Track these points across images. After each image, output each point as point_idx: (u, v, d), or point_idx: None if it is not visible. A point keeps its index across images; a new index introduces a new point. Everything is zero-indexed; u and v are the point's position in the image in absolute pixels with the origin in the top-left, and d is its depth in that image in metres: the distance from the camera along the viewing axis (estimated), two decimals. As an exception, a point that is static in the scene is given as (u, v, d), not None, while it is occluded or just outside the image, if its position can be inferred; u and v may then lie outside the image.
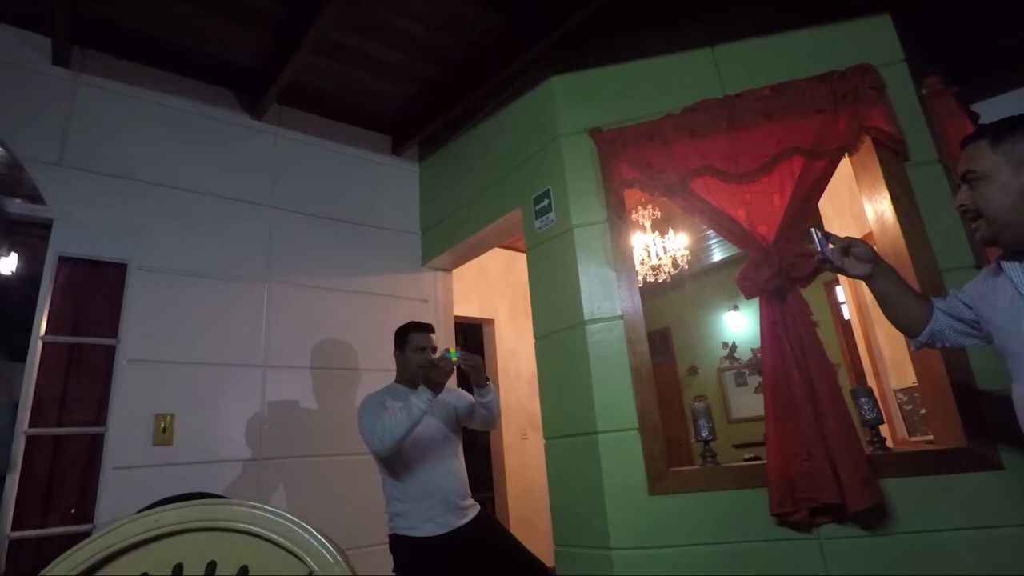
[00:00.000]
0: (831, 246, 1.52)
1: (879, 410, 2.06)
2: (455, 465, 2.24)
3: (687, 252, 3.93)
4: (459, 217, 3.15)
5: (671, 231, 3.91)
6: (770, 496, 1.93)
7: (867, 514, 1.85)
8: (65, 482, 2.19)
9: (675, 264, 3.93)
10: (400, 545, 2.09)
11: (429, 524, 2.08)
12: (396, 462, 2.15)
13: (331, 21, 2.38)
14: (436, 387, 2.03)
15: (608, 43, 2.58)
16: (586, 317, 2.31)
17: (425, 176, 3.51)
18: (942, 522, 1.86)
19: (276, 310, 2.82)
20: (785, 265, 2.02)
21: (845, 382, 4.92)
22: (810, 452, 1.89)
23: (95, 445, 2.25)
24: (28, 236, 2.31)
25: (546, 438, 2.43)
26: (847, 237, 1.53)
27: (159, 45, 2.65)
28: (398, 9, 2.49)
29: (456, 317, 4.14)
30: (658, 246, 3.92)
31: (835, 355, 4.81)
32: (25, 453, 2.13)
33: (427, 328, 2.33)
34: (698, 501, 2.06)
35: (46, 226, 2.31)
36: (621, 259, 2.35)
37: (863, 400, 2.07)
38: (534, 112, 2.72)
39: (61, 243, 2.34)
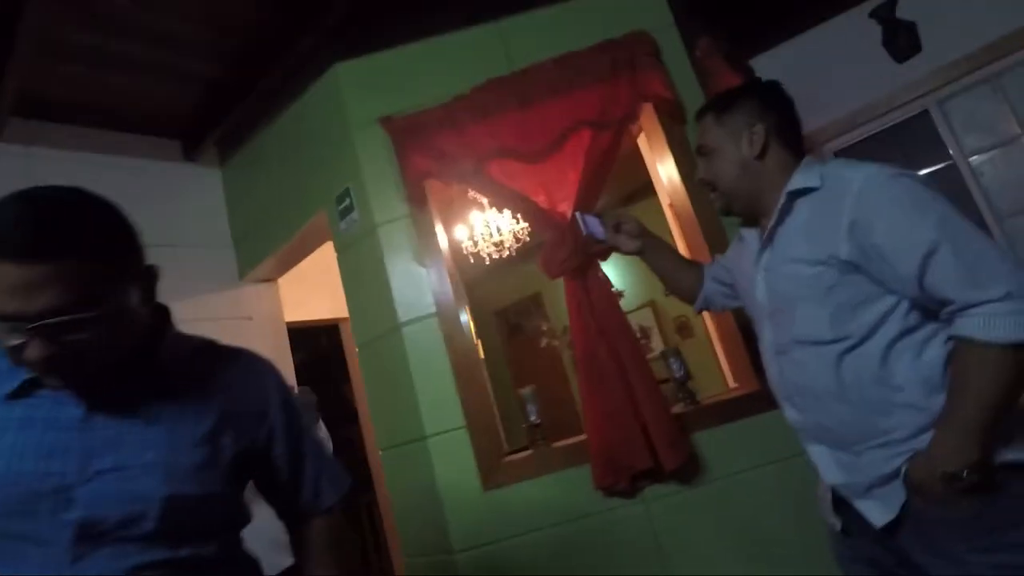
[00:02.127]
0: (601, 226, 1.51)
1: (686, 368, 2.16)
2: None
3: (526, 224, 3.93)
4: (269, 224, 2.89)
5: (507, 206, 3.88)
6: (593, 471, 1.96)
7: (682, 470, 1.94)
8: None
9: (517, 239, 3.92)
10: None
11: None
12: None
13: (54, 18, 2.00)
14: None
15: (394, 22, 2.41)
16: (401, 319, 2.21)
17: (229, 183, 3.17)
18: (746, 463, 1.99)
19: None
20: (581, 242, 2.02)
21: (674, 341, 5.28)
22: (623, 423, 1.93)
23: None
24: None
25: (380, 448, 2.33)
26: (615, 213, 1.53)
27: None
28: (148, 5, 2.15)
29: (306, 323, 3.88)
30: (498, 222, 3.88)
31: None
32: None
33: None
34: (531, 488, 2.06)
35: None
36: (428, 253, 2.25)
37: (672, 360, 2.15)
38: (323, 104, 2.50)
39: None
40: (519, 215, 3.35)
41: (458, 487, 2.07)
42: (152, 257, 2.68)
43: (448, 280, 2.23)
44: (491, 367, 5.53)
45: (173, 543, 0.80)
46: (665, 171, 2.30)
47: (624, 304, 4.38)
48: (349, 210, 2.37)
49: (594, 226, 1.47)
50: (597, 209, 2.08)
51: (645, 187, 3.54)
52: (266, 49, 2.48)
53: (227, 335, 2.88)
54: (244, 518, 0.94)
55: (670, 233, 3.06)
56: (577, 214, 1.48)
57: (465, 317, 2.26)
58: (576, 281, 2.05)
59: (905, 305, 1.05)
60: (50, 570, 0.74)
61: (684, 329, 5.95)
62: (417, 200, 2.25)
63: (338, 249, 2.48)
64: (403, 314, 2.21)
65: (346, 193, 2.38)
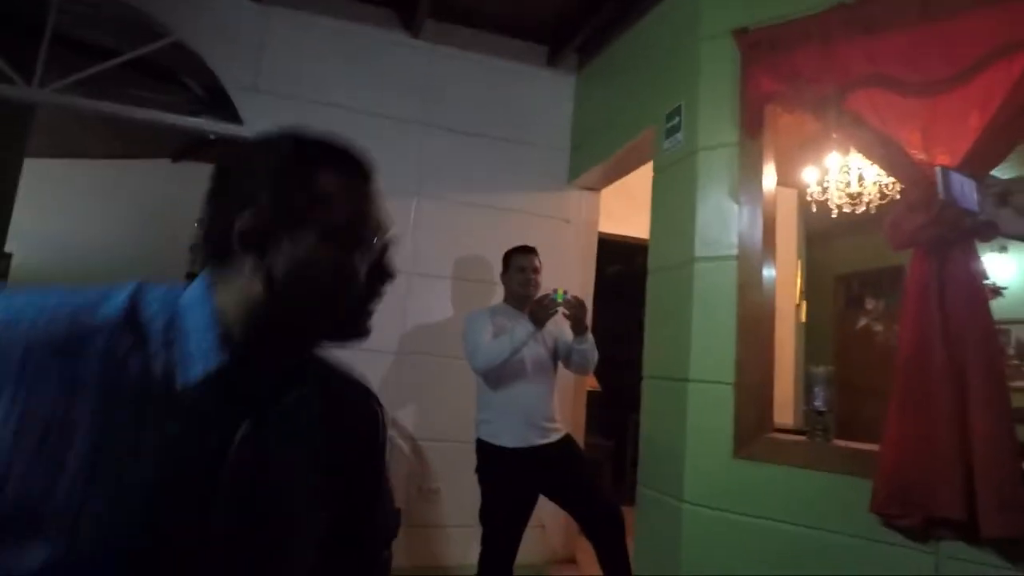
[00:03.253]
0: (976, 193, 1.11)
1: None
2: (545, 389, 2.30)
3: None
4: (603, 134, 2.97)
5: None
6: (875, 491, 1.59)
7: (1010, 544, 1.43)
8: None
9: (883, 194, 3.17)
10: (482, 449, 2.27)
11: (509, 436, 2.21)
12: (492, 374, 2.28)
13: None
14: (539, 322, 2.14)
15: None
16: (696, 254, 2.07)
17: (581, 88, 3.33)
18: None
19: (422, 223, 3.06)
20: (953, 210, 1.51)
21: None
22: (939, 454, 1.49)
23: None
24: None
25: (645, 376, 2.32)
26: (1009, 180, 1.10)
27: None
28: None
29: (624, 237, 4.00)
30: (861, 170, 3.18)
31: None
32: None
33: (528, 251, 2.36)
34: (790, 477, 1.80)
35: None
36: (747, 189, 2.00)
37: (1055, 401, 1.53)
38: (679, 11, 2.35)
39: (254, 157, 2.83)
40: (878, 163, 2.69)
41: (707, 442, 1.95)
42: (500, 150, 3.05)
43: (761, 223, 1.97)
44: (813, 336, 4.86)
45: None
46: None
47: (1009, 307, 3.22)
48: (676, 130, 2.25)
49: (962, 189, 1.06)
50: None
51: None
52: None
53: (546, 232, 3.17)
54: None
55: None
56: (939, 169, 1.09)
57: (771, 270, 1.99)
58: (929, 259, 1.57)
59: None
60: None
61: None
62: (751, 127, 1.99)
63: (656, 169, 2.41)
64: (700, 249, 2.07)
65: (677, 111, 2.26)
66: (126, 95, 2.76)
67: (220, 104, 2.86)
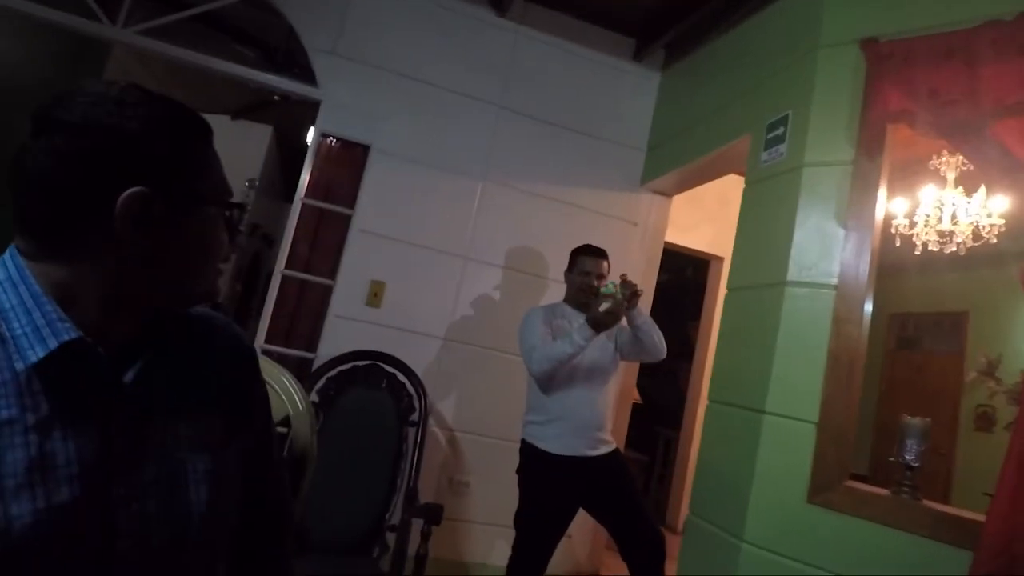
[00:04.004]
0: None
1: None
2: (599, 397, 2.17)
3: (1002, 221, 2.89)
4: (687, 137, 2.80)
5: (983, 190, 2.88)
6: (975, 563, 1.44)
7: None
8: (303, 317, 2.74)
9: (977, 235, 2.94)
10: (526, 451, 2.16)
11: (556, 442, 2.09)
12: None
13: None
14: (601, 328, 1.98)
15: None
16: (789, 278, 1.91)
17: (665, 87, 3.17)
18: None
19: (485, 208, 2.95)
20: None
21: None
22: (1062, 535, 1.32)
23: (325, 294, 2.74)
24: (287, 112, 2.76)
25: (709, 399, 2.17)
26: None
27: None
28: None
29: (679, 247, 3.85)
30: (956, 207, 2.95)
31: None
32: (280, 288, 2.70)
33: (597, 253, 2.21)
34: (873, 532, 1.64)
35: (314, 105, 2.74)
36: (857, 213, 1.83)
37: None
38: (795, 14, 2.17)
39: (324, 122, 2.76)
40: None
41: (778, 482, 1.80)
42: (574, 143, 2.91)
43: (869, 254, 1.80)
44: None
45: None
46: None
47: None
48: (778, 141, 2.09)
49: None
50: None
51: None
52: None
53: (610, 231, 3.03)
54: None
55: None
56: None
57: (870, 305, 1.83)
58: (1076, 317, 1.39)
59: None
60: None
61: None
62: (870, 146, 1.82)
63: (748, 181, 2.25)
64: (794, 273, 1.90)
65: (782, 120, 2.09)
66: (199, 48, 2.72)
67: (286, 67, 2.80)
